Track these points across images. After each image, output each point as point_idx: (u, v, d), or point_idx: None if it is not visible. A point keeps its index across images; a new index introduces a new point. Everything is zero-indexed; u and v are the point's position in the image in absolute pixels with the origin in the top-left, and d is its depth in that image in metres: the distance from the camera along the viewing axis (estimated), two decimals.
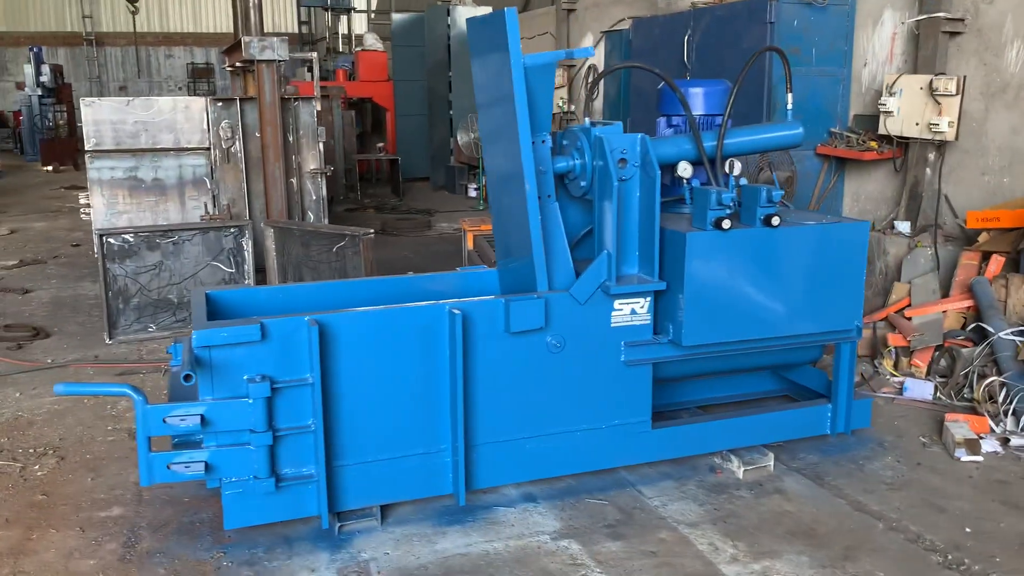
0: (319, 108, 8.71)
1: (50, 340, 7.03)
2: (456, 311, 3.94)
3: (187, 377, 3.47)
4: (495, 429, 4.17)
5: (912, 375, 5.71)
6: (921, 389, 5.49)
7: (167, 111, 8.46)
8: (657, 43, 9.39)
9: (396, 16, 17.38)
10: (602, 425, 4.35)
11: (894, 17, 7.43)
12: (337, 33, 24.26)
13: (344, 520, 4.04)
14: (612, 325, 4.26)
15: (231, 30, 18.95)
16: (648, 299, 4.29)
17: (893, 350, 5.89)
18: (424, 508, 4.22)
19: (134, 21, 26.82)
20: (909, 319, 6.08)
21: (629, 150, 4.19)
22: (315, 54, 9.40)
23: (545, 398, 4.23)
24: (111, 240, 6.88)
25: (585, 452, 4.35)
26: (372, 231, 6.56)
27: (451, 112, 15.79)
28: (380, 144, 15.99)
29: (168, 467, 3.71)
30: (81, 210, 8.79)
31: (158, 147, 8.47)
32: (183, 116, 8.51)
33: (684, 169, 4.44)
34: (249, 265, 7.33)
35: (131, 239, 6.97)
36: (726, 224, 4.14)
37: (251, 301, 4.46)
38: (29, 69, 22.28)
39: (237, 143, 8.53)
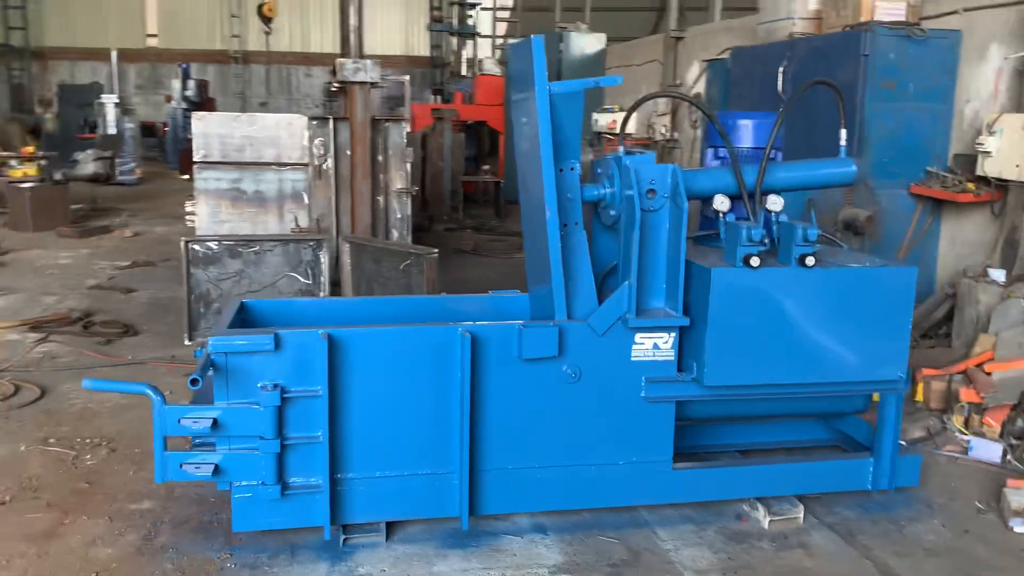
0: (409, 129, 8.93)
1: (137, 338, 7.46)
2: (466, 333, 3.94)
3: (194, 381, 3.61)
4: (505, 455, 4.12)
5: (983, 434, 5.29)
6: (988, 450, 5.08)
7: (271, 127, 8.85)
8: (754, 72, 9.17)
9: (511, 41, 17.62)
10: (618, 461, 4.23)
11: (1000, 51, 6.98)
12: (462, 58, 24.85)
13: (350, 533, 4.08)
14: (632, 359, 4.14)
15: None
16: (673, 334, 4.16)
17: (965, 406, 5.48)
18: (432, 529, 4.21)
19: (267, 41, 28.48)
20: (989, 374, 5.65)
21: (659, 181, 4.10)
22: (407, 77, 9.66)
23: (559, 428, 4.15)
24: (195, 247, 7.25)
25: (598, 487, 4.23)
26: (435, 251, 6.64)
27: None
28: (486, 167, 16.23)
29: (181, 466, 3.87)
30: (186, 217, 9.31)
31: (261, 161, 8.89)
32: (286, 132, 8.89)
33: (721, 203, 4.30)
34: (325, 277, 7.56)
35: (215, 247, 7.32)
36: (755, 261, 3.98)
37: (285, 312, 4.60)
38: (176, 83, 23.88)
39: (329, 160, 8.85)
